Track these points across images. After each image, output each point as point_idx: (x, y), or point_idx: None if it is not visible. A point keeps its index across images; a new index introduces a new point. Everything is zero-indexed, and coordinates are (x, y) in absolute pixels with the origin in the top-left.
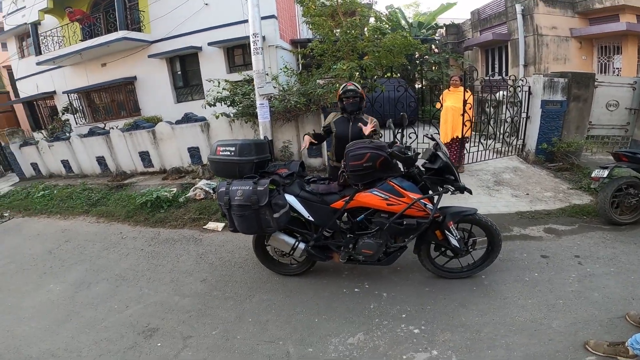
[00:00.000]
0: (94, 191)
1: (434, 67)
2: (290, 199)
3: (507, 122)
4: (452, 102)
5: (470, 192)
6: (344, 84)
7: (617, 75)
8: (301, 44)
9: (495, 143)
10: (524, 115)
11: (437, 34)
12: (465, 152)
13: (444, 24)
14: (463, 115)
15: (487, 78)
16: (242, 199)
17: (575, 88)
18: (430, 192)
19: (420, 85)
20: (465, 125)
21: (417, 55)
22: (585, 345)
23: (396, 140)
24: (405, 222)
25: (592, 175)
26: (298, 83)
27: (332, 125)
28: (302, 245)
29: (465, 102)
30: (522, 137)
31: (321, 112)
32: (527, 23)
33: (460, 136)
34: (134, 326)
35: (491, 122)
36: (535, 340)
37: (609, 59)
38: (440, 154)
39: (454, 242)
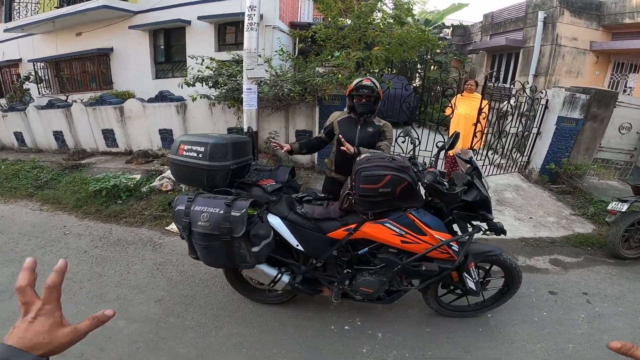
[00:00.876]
0: (44, 170)
1: (433, 67)
2: (276, 221)
3: (517, 136)
4: (466, 110)
5: (505, 233)
6: (359, 79)
7: (629, 94)
8: (301, 28)
9: (500, 158)
10: (534, 130)
11: (442, 34)
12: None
13: (452, 24)
14: (476, 125)
15: (498, 85)
16: (209, 227)
17: (595, 106)
18: (457, 229)
19: (420, 85)
20: (476, 137)
21: (426, 53)
22: None
23: (415, 157)
24: (424, 267)
25: (609, 208)
26: (293, 69)
27: (335, 125)
28: (286, 279)
29: (480, 110)
30: (529, 154)
31: (317, 104)
32: (547, 31)
33: (469, 147)
34: (63, 357)
35: (501, 135)
36: None
37: (622, 77)
38: (477, 182)
39: (471, 284)
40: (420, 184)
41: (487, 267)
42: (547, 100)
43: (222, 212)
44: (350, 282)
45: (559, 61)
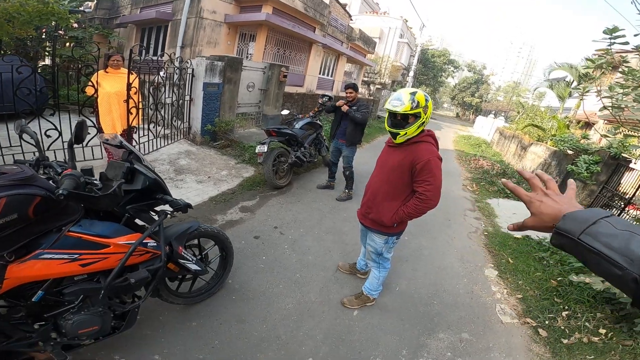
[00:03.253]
0: None
1: (68, 44)
2: None
3: (173, 105)
4: (115, 87)
5: (190, 207)
6: None
7: (250, 59)
8: None
9: (163, 129)
10: (187, 98)
11: (83, 7)
12: (135, 144)
13: None
14: (127, 101)
15: (147, 58)
16: None
17: (229, 71)
18: (141, 223)
19: (50, 65)
20: (132, 113)
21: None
22: (343, 303)
23: (44, 157)
24: (133, 280)
25: (257, 151)
26: None
27: None
28: None
29: (129, 85)
30: (188, 120)
31: None
32: (194, 5)
33: (127, 127)
34: None
35: (158, 107)
36: (295, 314)
37: (245, 45)
38: (139, 167)
39: (194, 266)
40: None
41: (197, 243)
42: (193, 69)
43: None
44: (59, 333)
45: (201, 33)
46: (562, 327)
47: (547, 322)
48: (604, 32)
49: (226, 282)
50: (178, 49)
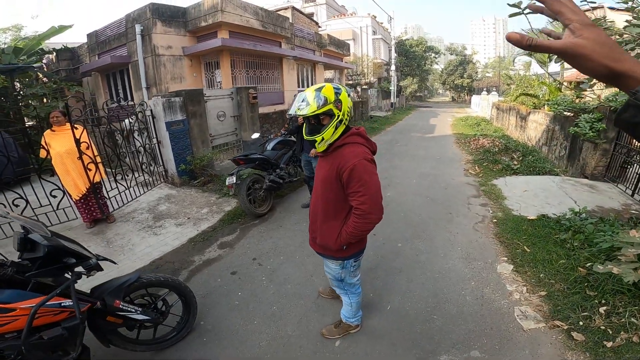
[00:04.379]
0: None
1: (45, 100)
2: None
3: (140, 151)
4: (63, 146)
5: (113, 262)
6: None
7: (220, 88)
8: None
9: (141, 176)
10: (155, 140)
11: (45, 60)
12: (106, 199)
13: (54, 49)
14: (81, 157)
15: (115, 105)
16: None
17: (190, 105)
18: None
19: (24, 127)
20: (90, 170)
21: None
22: (322, 334)
23: None
24: (47, 337)
25: (226, 183)
26: None
27: None
28: None
29: (78, 141)
30: (162, 163)
31: None
32: (146, 43)
33: (89, 185)
34: None
35: (120, 156)
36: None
37: (212, 74)
38: (35, 237)
39: (140, 316)
40: None
41: (146, 292)
42: (152, 111)
43: None
44: None
45: (162, 70)
46: (603, 327)
47: (581, 322)
48: None
49: (198, 324)
50: (144, 90)
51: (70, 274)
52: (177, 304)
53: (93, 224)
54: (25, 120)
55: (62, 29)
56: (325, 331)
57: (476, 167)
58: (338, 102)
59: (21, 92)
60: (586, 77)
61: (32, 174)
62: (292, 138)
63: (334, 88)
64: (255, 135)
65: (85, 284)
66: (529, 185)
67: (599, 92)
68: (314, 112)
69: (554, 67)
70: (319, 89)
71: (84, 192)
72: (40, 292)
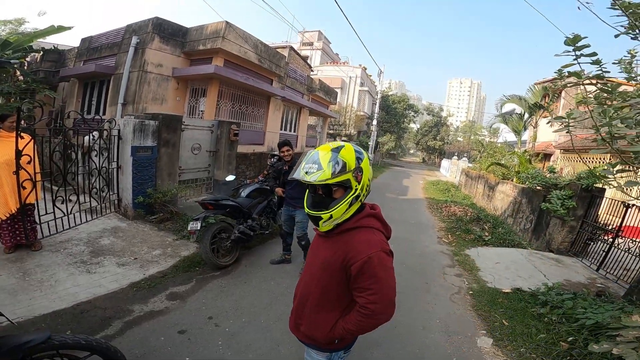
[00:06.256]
0: None
1: (11, 99)
2: None
3: (94, 174)
4: (3, 155)
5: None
6: None
7: (201, 117)
8: None
9: (88, 202)
10: (114, 165)
11: (28, 58)
12: (36, 224)
13: (43, 48)
14: (17, 173)
15: (83, 117)
16: None
17: (165, 132)
18: None
19: None
20: (25, 188)
21: None
22: None
23: None
24: None
25: (189, 228)
26: None
27: None
28: None
29: (19, 153)
30: (116, 191)
31: None
32: (137, 57)
33: (19, 205)
34: None
35: (66, 176)
36: None
37: (196, 101)
38: None
39: None
40: None
41: (57, 353)
42: (119, 130)
43: None
44: None
45: (145, 88)
46: None
47: None
48: (565, 43)
49: None
50: (119, 106)
51: None
52: None
53: (13, 249)
54: None
55: (60, 29)
56: None
57: (449, 236)
58: (358, 172)
59: None
60: (557, 148)
61: None
62: (269, 187)
63: (355, 151)
64: (230, 178)
65: None
66: (501, 258)
67: (561, 168)
68: (326, 180)
69: (524, 136)
70: (337, 150)
71: (13, 212)
72: None
